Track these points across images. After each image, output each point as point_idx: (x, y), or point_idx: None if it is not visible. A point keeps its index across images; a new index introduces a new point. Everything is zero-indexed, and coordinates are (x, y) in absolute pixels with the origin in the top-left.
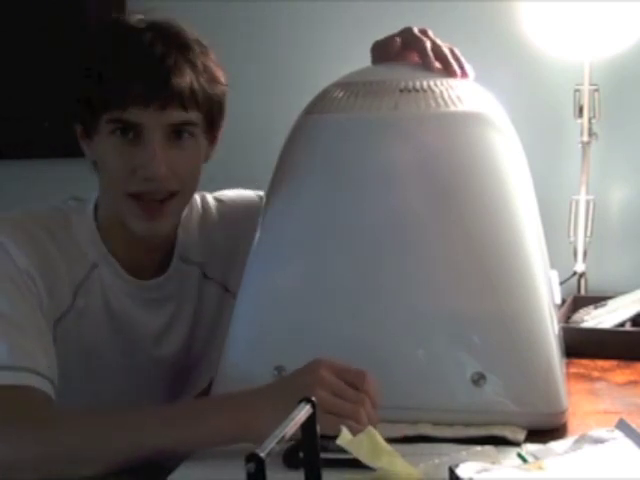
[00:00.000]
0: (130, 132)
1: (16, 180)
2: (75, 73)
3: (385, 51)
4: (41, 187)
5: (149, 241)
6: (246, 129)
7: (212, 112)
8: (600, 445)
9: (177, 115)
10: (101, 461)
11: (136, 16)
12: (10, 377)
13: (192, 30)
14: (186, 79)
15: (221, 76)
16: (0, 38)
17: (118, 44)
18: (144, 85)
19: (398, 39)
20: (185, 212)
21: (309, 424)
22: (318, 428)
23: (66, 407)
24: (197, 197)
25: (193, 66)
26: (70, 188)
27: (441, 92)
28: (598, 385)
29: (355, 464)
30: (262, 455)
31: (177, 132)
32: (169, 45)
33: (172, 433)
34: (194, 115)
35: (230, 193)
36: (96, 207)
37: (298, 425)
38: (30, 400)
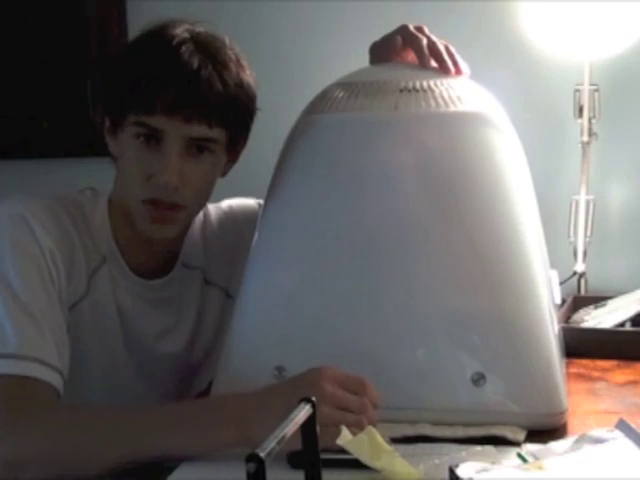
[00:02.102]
0: (152, 138)
1: (16, 180)
2: (112, 71)
3: (385, 51)
4: (41, 187)
5: (155, 243)
6: None
7: (237, 131)
8: (600, 445)
9: (200, 130)
10: (101, 462)
11: (183, 24)
12: (17, 366)
13: (232, 44)
14: (216, 97)
15: (253, 96)
16: (0, 38)
17: (157, 51)
18: (173, 94)
19: (399, 38)
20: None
21: (309, 424)
22: (318, 428)
23: (71, 402)
24: None
25: (225, 85)
26: (70, 188)
27: (441, 92)
28: (598, 385)
29: (355, 464)
30: (262, 455)
31: (197, 146)
32: (206, 60)
33: (172, 439)
34: (217, 133)
35: (230, 202)
36: (110, 202)
37: (298, 425)
38: (35, 392)
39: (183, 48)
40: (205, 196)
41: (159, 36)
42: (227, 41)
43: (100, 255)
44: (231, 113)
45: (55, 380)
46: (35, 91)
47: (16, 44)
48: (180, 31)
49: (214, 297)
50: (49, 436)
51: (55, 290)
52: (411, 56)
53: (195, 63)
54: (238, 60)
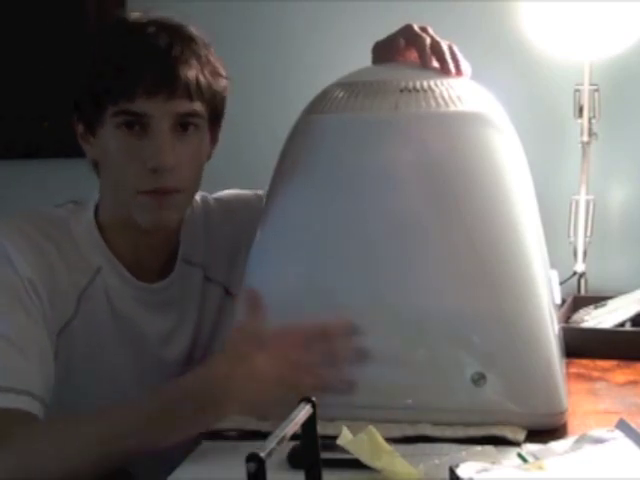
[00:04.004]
0: (136, 125)
1: (15, 180)
2: (80, 68)
3: (388, 50)
4: (41, 187)
5: (153, 239)
6: (246, 129)
7: (216, 105)
8: (600, 445)
9: (183, 105)
10: (87, 469)
11: (136, 13)
12: (1, 399)
13: (193, 26)
14: (192, 70)
15: (223, 71)
16: (0, 38)
17: (123, 37)
18: (151, 75)
19: (402, 39)
20: (187, 213)
21: (309, 424)
22: (318, 428)
23: (49, 419)
24: (198, 198)
25: (198, 57)
26: (70, 188)
27: (441, 92)
28: (598, 385)
29: (355, 464)
30: (262, 455)
31: (183, 125)
32: (174, 37)
33: (150, 432)
34: (199, 106)
35: (230, 193)
36: (96, 209)
37: (298, 425)
38: (17, 423)
39: (148, 30)
40: (199, 177)
41: (119, 26)
42: (184, 22)
43: (91, 268)
44: (208, 85)
45: (35, 409)
46: (35, 91)
47: (16, 44)
48: (138, 17)
49: (214, 294)
50: (33, 458)
51: (39, 318)
52: (414, 56)
53: (164, 41)
54: (201, 37)
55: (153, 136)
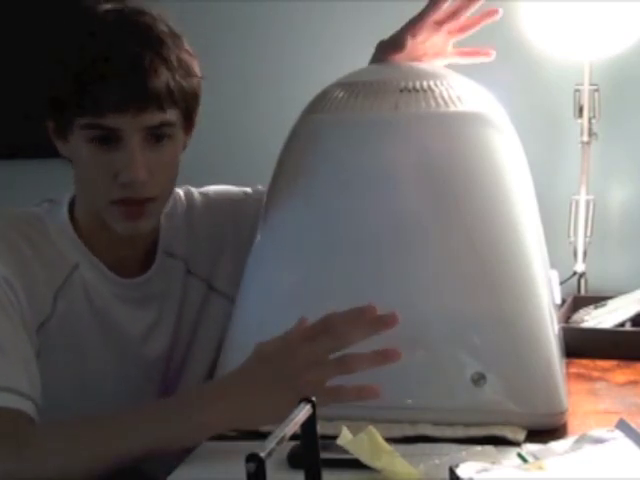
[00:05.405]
0: (107, 138)
1: (14, 180)
2: (47, 70)
3: (392, 47)
4: (41, 187)
5: (131, 238)
6: (246, 129)
7: (188, 106)
8: (600, 445)
9: (155, 117)
10: (86, 470)
11: (105, 6)
12: None
13: (163, 16)
14: (162, 79)
15: (195, 66)
16: (0, 38)
17: (88, 43)
18: (120, 90)
19: (409, 36)
20: (169, 206)
21: (309, 424)
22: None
23: (47, 422)
24: (181, 191)
25: (168, 63)
26: (69, 188)
27: (441, 92)
28: (598, 385)
29: (355, 464)
30: (262, 455)
31: (155, 134)
32: (142, 44)
33: (154, 434)
34: (172, 114)
35: (216, 189)
36: (71, 206)
37: (298, 425)
38: (9, 421)
39: (115, 37)
40: (173, 181)
41: (84, 26)
42: (155, 13)
43: (68, 265)
44: (180, 89)
45: (28, 408)
46: (35, 91)
47: (16, 44)
48: (103, 13)
49: (196, 289)
50: (30, 457)
51: (18, 317)
52: (417, 55)
53: (132, 51)
54: (171, 31)
55: (124, 150)
